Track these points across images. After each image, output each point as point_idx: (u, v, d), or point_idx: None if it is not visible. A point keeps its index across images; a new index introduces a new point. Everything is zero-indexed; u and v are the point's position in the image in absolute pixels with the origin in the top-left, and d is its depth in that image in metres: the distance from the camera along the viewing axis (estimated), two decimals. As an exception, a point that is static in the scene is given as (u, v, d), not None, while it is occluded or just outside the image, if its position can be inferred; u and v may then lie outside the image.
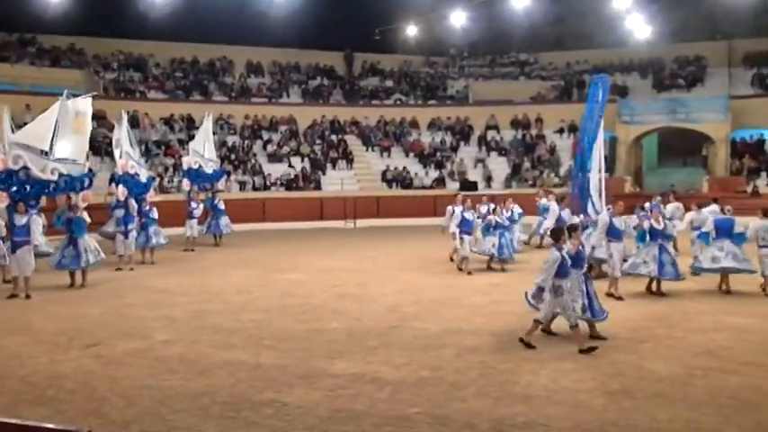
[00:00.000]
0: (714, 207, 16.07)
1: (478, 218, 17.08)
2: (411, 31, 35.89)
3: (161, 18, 30.85)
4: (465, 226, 16.08)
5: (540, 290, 9.54)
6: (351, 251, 20.71)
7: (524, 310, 11.76)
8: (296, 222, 27.72)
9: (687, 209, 16.41)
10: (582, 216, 15.28)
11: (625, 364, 8.59)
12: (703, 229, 13.98)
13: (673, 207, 17.61)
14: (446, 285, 14.50)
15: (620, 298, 12.61)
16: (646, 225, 13.11)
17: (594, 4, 35.81)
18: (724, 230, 13.46)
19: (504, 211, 17.17)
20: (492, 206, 17.75)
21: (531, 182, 32.73)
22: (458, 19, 33.91)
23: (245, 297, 13.40)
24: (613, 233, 13.15)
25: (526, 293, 10.00)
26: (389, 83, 38.78)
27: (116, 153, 19.30)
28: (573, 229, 10.10)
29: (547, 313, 9.50)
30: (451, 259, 17.27)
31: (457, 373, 8.31)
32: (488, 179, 33.21)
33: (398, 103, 37.30)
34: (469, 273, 15.83)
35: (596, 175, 15.65)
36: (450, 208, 17.35)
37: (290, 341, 9.91)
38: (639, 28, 35.03)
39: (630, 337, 9.89)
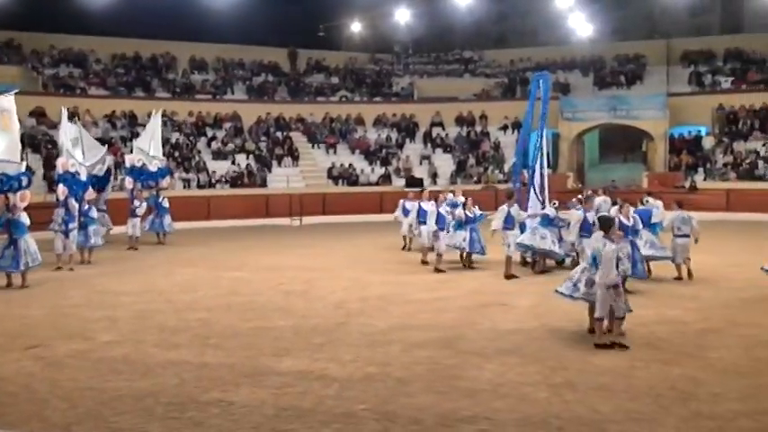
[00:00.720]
0: (603, 198, 16.76)
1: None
2: (355, 27, 36.01)
3: (102, 13, 30.33)
4: (441, 222, 15.69)
5: (593, 283, 9.33)
6: (297, 249, 20.62)
7: (470, 304, 11.92)
8: (241, 220, 27.48)
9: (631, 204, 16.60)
10: (529, 211, 15.53)
11: (569, 358, 8.71)
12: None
13: (599, 200, 17.97)
14: (392, 282, 14.53)
15: None
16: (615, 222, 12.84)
17: (537, 3, 36.39)
18: (643, 221, 14.05)
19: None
20: (463, 200, 17.57)
21: (475, 178, 33.04)
22: (402, 16, 34.10)
23: (190, 296, 13.24)
24: (586, 229, 12.68)
25: (559, 290, 9.95)
26: (335, 80, 38.70)
27: (77, 151, 18.92)
28: (610, 222, 9.66)
29: (605, 309, 9.18)
30: (424, 262, 16.62)
31: (403, 369, 8.33)
32: (434, 176, 33.39)
33: (344, 99, 37.24)
34: (443, 271, 15.57)
35: (538, 171, 15.97)
36: (401, 202, 17.35)
37: (235, 339, 9.82)
38: (581, 26, 35.69)
39: (575, 331, 10.04)
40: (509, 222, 15.05)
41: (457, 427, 6.64)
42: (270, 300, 12.72)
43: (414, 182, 31.69)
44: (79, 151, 19.98)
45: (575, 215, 13.49)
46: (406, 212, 19.58)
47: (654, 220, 14.26)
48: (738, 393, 7.38)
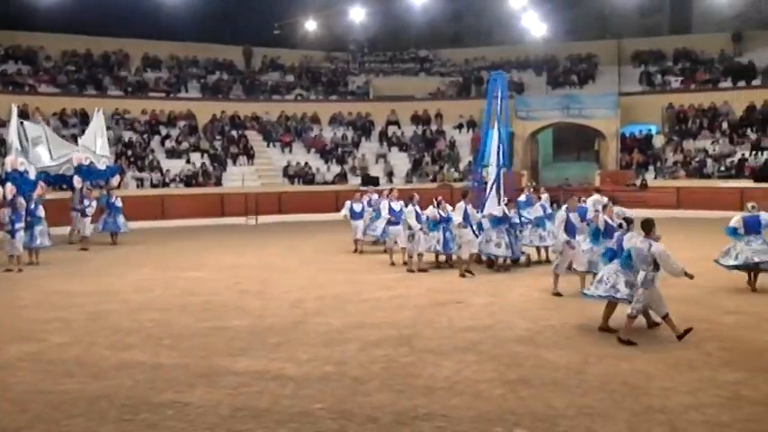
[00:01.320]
0: (597, 197, 16.95)
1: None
2: (311, 26, 35.81)
3: (52, 9, 29.73)
4: (466, 221, 14.90)
5: (632, 285, 9.47)
6: (253, 248, 20.50)
7: (426, 303, 11.96)
8: (196, 219, 27.22)
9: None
10: (486, 210, 15.57)
11: (524, 355, 8.80)
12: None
13: (592, 200, 18.33)
14: (349, 280, 14.52)
15: (558, 294, 12.47)
16: (600, 221, 12.30)
17: (492, 3, 36.63)
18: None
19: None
20: (439, 199, 17.61)
21: (431, 177, 33.16)
22: (357, 15, 34.03)
23: (143, 296, 13.07)
24: (570, 229, 12.70)
25: (589, 293, 10.15)
26: (290, 78, 38.50)
27: (40, 150, 18.60)
28: (651, 224, 9.65)
29: (640, 307, 9.34)
30: (404, 263, 15.99)
31: (360, 368, 8.34)
32: (390, 174, 33.43)
33: (299, 98, 37.07)
34: (425, 270, 15.47)
35: (494, 170, 16.07)
36: (348, 203, 17.06)
37: (190, 340, 9.73)
38: (535, 26, 35.99)
39: (529, 328, 10.15)
40: (466, 220, 15.00)
41: (413, 424, 6.66)
42: (225, 299, 12.62)
43: (370, 180, 31.71)
44: (45, 150, 19.61)
45: (558, 216, 13.15)
46: (354, 214, 19.44)
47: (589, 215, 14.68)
48: (688, 387, 7.52)
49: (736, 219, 13.01)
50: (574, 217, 12.79)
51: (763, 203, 13.75)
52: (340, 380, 7.92)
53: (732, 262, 12.84)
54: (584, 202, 15.65)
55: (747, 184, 27.65)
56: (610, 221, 12.12)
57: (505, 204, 15.64)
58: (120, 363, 8.65)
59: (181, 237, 23.38)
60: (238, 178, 31.34)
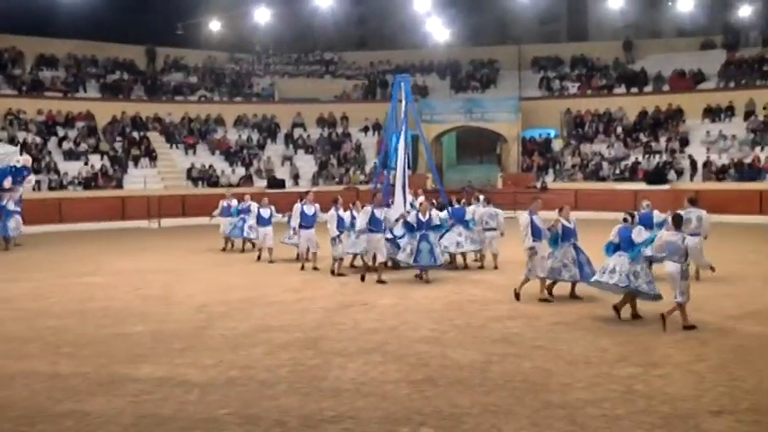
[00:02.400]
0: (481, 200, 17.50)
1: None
2: (215, 26, 35.28)
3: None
4: (375, 225, 14.29)
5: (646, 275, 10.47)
6: (155, 252, 20.06)
7: (333, 305, 11.97)
8: (96, 223, 26.44)
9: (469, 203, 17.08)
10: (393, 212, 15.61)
11: (429, 355, 8.91)
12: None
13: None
14: (254, 284, 14.39)
15: (550, 298, 12.19)
16: (559, 226, 12.04)
17: (396, 7, 36.88)
18: (457, 218, 15.78)
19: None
20: (414, 200, 17.36)
21: (337, 179, 33.19)
22: (262, 16, 33.73)
23: (40, 303, 12.60)
24: (535, 233, 12.25)
25: (599, 279, 10.79)
26: (193, 79, 37.83)
27: None
28: (681, 220, 10.49)
29: (686, 298, 9.99)
30: (333, 272, 15.14)
31: (267, 372, 8.27)
32: (296, 177, 33.30)
33: (203, 99, 36.51)
34: (343, 275, 14.97)
35: (401, 172, 16.15)
36: (297, 206, 16.07)
37: (90, 347, 9.44)
38: (438, 31, 36.47)
39: (434, 328, 10.28)
40: (376, 225, 14.27)
41: (321, 427, 6.66)
42: (126, 305, 12.31)
43: (275, 183, 31.50)
44: None
45: (522, 218, 12.48)
46: (225, 212, 19.91)
47: (467, 216, 15.90)
48: (586, 383, 7.78)
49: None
50: (537, 219, 12.34)
51: (655, 205, 14.70)
52: (246, 384, 7.84)
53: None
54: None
55: (641, 186, 28.75)
56: (567, 224, 12.14)
57: (418, 208, 15.36)
58: (16, 372, 8.32)
59: (80, 241, 22.65)
60: (140, 180, 30.58)
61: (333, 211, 15.34)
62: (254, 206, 18.65)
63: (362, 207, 15.14)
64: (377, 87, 37.65)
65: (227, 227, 19.77)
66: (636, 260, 10.47)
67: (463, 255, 16.07)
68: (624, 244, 10.69)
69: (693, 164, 29.75)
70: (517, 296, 12.16)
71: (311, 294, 13.09)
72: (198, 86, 37.19)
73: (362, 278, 14.35)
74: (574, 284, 12.26)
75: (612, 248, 10.89)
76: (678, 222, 10.26)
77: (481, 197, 17.00)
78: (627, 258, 10.55)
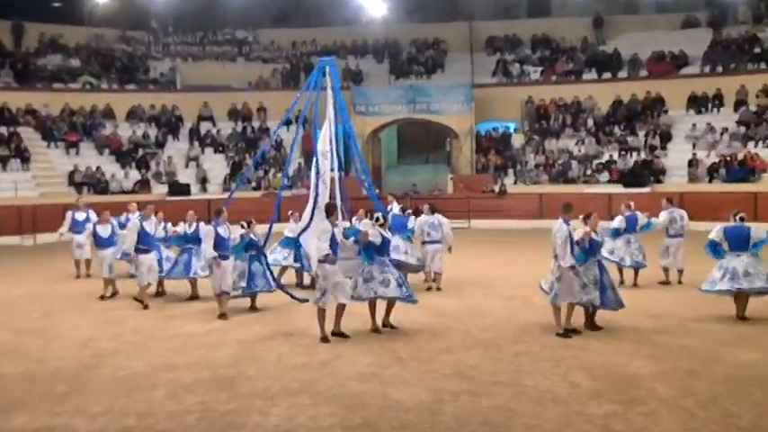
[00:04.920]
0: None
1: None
2: (101, -2, 34.95)
3: None
4: (222, 248, 13.57)
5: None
6: (30, 274, 19.70)
7: (251, 336, 11.90)
8: (-47, 240, 25.86)
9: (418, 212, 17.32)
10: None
11: (368, 394, 8.92)
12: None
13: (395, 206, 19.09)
14: (154, 312, 14.23)
15: (573, 329, 11.87)
16: (586, 240, 11.95)
17: (323, -25, 36.93)
18: (397, 228, 15.59)
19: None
20: (395, 207, 17.41)
21: (254, 183, 33.02)
22: (160, -15, 33.55)
23: None
24: (572, 248, 11.79)
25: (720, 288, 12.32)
26: (75, 62, 37.27)
27: None
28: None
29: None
30: (224, 315, 13.65)
31: (170, 419, 8.19)
32: (203, 181, 33.05)
33: (88, 87, 35.98)
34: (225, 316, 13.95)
35: (315, 177, 15.55)
36: (70, 214, 15.46)
37: (-51, 394, 9.22)
38: (373, 5, 36.68)
39: (373, 362, 10.29)
40: (222, 248, 13.60)
41: (237, 485, 6.61)
42: (-5, 341, 12.07)
43: (179, 189, 31.22)
44: None
45: (560, 229, 11.89)
46: (77, 227, 19.06)
47: (409, 225, 16.17)
48: (555, 424, 7.89)
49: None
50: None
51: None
52: (145, 435, 7.76)
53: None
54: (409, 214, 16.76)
55: (616, 189, 29.33)
56: (595, 236, 12.15)
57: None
58: None
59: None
60: (10, 187, 29.95)
61: (211, 226, 13.89)
62: (134, 219, 16.13)
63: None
64: (300, 72, 37.56)
65: (85, 248, 18.77)
66: (755, 257, 12.45)
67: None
68: (738, 243, 12.49)
69: (677, 162, 30.51)
70: (567, 334, 11.65)
71: (224, 324, 13.00)
72: (81, 71, 36.64)
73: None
74: (592, 311, 12.16)
75: (717, 249, 12.68)
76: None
77: (426, 206, 17.05)
78: (751, 258, 12.40)
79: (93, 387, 9.43)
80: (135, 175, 32.83)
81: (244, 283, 14.00)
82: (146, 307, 14.53)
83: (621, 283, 15.79)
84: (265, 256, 14.73)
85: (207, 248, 13.60)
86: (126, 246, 15.41)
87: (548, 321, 12.16)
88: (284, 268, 16.61)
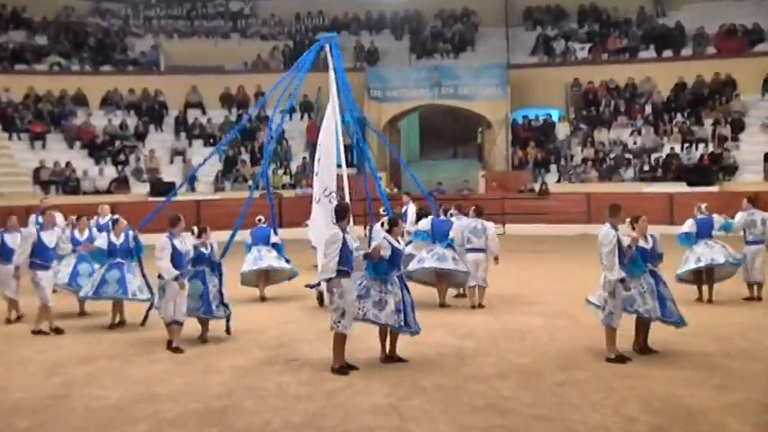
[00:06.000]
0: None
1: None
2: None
3: None
4: (180, 263, 13.24)
5: None
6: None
7: (246, 362, 11.90)
8: None
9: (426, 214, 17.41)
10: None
11: (385, 430, 8.91)
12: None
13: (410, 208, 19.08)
14: (131, 333, 14.26)
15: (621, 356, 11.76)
16: (633, 247, 11.88)
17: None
18: (440, 234, 16.38)
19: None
20: (411, 209, 17.94)
21: (251, 182, 32.94)
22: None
23: None
24: (621, 258, 11.71)
25: None
26: (41, 39, 37.46)
27: None
28: None
29: None
30: (173, 346, 13.53)
31: (152, 459, 8.21)
32: (192, 179, 33.01)
33: (56, 68, 36.13)
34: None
35: (333, 172, 15.56)
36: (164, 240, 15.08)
37: None
38: (392, -29, 36.68)
39: (391, 393, 10.26)
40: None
41: None
42: (-54, 367, 12.13)
43: (162, 188, 31.23)
44: None
45: (606, 236, 11.74)
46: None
47: (451, 233, 16.21)
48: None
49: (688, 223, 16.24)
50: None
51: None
52: (122, 478, 7.79)
53: (693, 265, 15.91)
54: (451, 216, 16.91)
55: (678, 187, 29.23)
56: (644, 244, 12.08)
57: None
58: None
59: None
60: (-35, 186, 30.21)
61: (166, 238, 13.14)
62: (29, 228, 16.65)
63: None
64: (306, 51, 37.53)
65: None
66: None
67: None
68: None
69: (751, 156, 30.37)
70: (622, 359, 11.59)
71: (215, 347, 13.02)
72: (48, 50, 36.81)
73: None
74: (645, 328, 12.07)
75: None
76: None
77: (452, 210, 17.09)
78: None
79: (62, 422, 9.45)
80: (111, 172, 32.95)
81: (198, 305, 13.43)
82: (57, 331, 14.40)
83: (704, 300, 15.99)
84: (221, 274, 13.76)
85: (165, 266, 12.73)
86: (17, 260, 14.97)
87: (597, 344, 12.11)
88: None
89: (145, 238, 15.36)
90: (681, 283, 15.77)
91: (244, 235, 17.57)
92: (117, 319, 15.09)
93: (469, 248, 16.05)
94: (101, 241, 15.33)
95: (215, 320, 13.63)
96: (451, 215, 16.97)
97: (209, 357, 12.35)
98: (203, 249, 13.62)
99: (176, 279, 12.78)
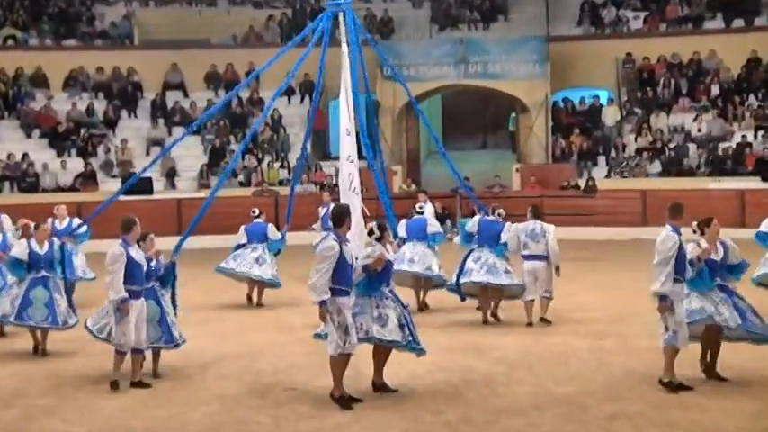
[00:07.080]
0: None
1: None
2: None
3: None
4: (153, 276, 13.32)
5: None
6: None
7: (237, 391, 11.94)
8: None
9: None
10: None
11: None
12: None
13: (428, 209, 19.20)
14: (101, 358, 14.30)
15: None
16: (703, 259, 11.67)
17: None
18: (486, 239, 16.29)
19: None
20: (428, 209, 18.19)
21: (241, 177, 32.95)
22: None
23: None
24: (679, 266, 11.51)
25: None
26: (-5, 10, 37.69)
27: None
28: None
29: None
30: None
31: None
32: (171, 173, 33.07)
33: (11, 43, 36.25)
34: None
35: (346, 166, 15.71)
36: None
37: None
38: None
39: (408, 429, 10.30)
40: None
41: None
42: None
43: (137, 184, 31.27)
44: None
45: (667, 239, 11.58)
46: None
47: (503, 237, 16.24)
48: None
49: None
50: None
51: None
52: None
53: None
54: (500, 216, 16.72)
55: (752, 183, 29.25)
56: (714, 256, 11.82)
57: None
58: None
59: None
60: None
61: (120, 247, 12.66)
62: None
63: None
64: (307, 20, 37.49)
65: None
66: None
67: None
68: None
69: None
70: (682, 387, 11.52)
71: (198, 374, 13.07)
72: (1, 22, 36.89)
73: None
74: (714, 345, 11.98)
75: None
76: None
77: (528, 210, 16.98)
78: None
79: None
80: (76, 165, 32.99)
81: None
82: None
83: None
84: (174, 293, 13.50)
85: (116, 283, 12.08)
86: None
87: (653, 371, 12.11)
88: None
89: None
90: (760, 287, 15.60)
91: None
92: (39, 347, 14.66)
93: (527, 255, 15.96)
94: (19, 249, 14.56)
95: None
96: (500, 215, 16.67)
97: (191, 386, 12.38)
98: (152, 263, 12.95)
99: (123, 302, 12.09)
